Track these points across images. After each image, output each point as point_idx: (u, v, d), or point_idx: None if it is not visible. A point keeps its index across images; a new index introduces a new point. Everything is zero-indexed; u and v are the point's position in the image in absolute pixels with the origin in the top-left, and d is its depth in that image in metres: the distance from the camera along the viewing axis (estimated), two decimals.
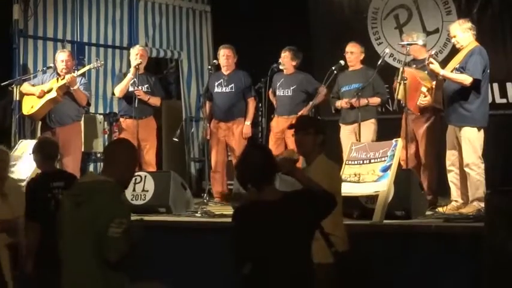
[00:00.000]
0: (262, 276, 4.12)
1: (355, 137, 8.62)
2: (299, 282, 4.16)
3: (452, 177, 7.64)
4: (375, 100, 8.75)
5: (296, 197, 4.28)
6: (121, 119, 9.56)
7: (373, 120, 8.73)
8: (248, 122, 9.51)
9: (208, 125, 9.57)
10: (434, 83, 7.85)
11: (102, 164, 4.76)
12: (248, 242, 4.16)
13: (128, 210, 4.43)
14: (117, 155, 4.45)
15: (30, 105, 9.04)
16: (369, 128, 8.64)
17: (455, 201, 7.60)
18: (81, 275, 4.22)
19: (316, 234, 4.42)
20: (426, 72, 7.99)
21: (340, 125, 8.96)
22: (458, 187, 7.61)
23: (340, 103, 8.89)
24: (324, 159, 5.28)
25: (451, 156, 7.64)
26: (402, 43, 8.38)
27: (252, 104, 9.54)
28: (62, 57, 9.17)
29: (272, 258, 4.12)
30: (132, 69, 9.42)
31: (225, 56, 9.55)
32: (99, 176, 4.48)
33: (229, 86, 9.51)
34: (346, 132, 8.84)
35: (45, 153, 6.35)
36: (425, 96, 7.96)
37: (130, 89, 9.36)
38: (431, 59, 7.59)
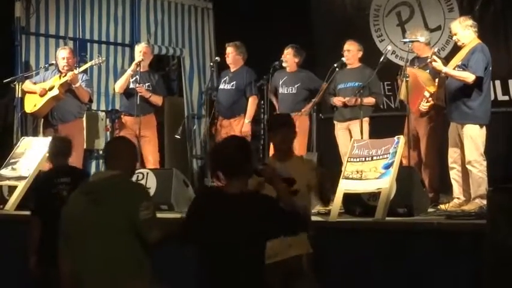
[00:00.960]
0: (212, 265, 4.13)
1: (349, 134, 8.65)
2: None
3: (455, 175, 7.64)
4: (370, 100, 8.74)
5: (261, 202, 4.16)
6: (122, 116, 9.56)
7: (366, 119, 8.72)
8: (247, 120, 9.48)
9: (209, 123, 9.56)
10: (436, 80, 7.84)
11: (104, 161, 4.76)
12: (197, 226, 4.14)
13: (149, 193, 4.62)
14: (120, 150, 4.56)
15: (33, 103, 9.05)
16: (365, 125, 8.61)
17: (458, 198, 7.60)
18: (115, 268, 4.31)
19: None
20: (428, 71, 7.99)
21: (335, 122, 8.98)
22: (460, 184, 7.61)
23: (335, 100, 8.91)
24: (300, 157, 5.51)
25: (453, 153, 7.64)
26: (404, 40, 8.38)
27: (252, 101, 9.50)
28: (63, 54, 9.17)
29: (218, 249, 4.08)
30: (132, 65, 9.43)
31: (227, 54, 9.59)
32: (108, 171, 4.53)
33: (232, 83, 9.51)
34: (340, 130, 8.87)
35: (55, 149, 6.37)
36: (427, 102, 7.96)
37: (132, 86, 9.36)
38: (433, 57, 7.59)
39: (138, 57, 9.44)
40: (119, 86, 9.55)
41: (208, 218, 4.11)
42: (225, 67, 9.78)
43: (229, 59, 9.57)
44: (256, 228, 4.06)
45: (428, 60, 7.63)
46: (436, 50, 7.99)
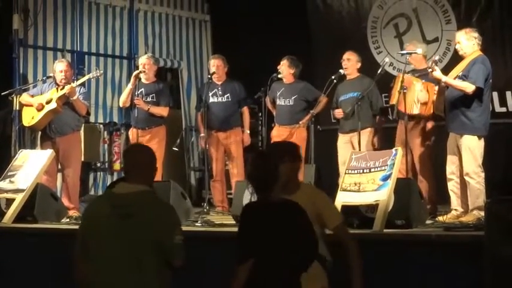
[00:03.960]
0: (259, 274, 4.22)
1: (351, 146, 8.65)
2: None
3: (453, 186, 7.63)
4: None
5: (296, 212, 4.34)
6: (131, 129, 9.51)
7: (369, 129, 8.73)
8: (248, 131, 9.51)
9: (201, 135, 9.52)
10: (436, 88, 7.85)
11: (124, 172, 4.61)
12: (248, 239, 4.30)
13: (177, 215, 4.51)
14: (140, 160, 4.43)
15: (31, 116, 9.00)
16: (365, 136, 8.64)
17: (456, 210, 7.58)
18: (136, 284, 4.25)
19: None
20: (424, 80, 8.02)
21: (339, 134, 8.99)
22: (458, 196, 7.59)
23: (335, 114, 8.94)
24: (308, 186, 5.39)
25: (451, 164, 7.63)
26: (401, 52, 8.39)
27: (247, 112, 9.54)
28: (61, 67, 9.11)
29: (266, 258, 4.21)
30: (132, 79, 9.42)
31: (215, 66, 9.47)
32: (135, 185, 4.36)
33: (225, 96, 9.46)
34: (342, 141, 8.89)
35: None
36: (421, 91, 7.99)
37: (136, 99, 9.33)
38: (433, 66, 7.58)
39: (141, 69, 9.40)
40: (122, 101, 9.58)
41: (257, 229, 4.27)
42: None
43: (218, 71, 9.44)
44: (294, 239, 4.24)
45: (429, 69, 7.60)
46: (437, 58, 7.97)
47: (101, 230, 4.30)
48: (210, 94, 9.50)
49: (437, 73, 7.50)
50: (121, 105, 9.70)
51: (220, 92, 9.47)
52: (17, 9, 10.11)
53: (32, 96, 9.12)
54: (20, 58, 10.11)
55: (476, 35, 7.59)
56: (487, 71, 7.43)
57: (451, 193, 7.65)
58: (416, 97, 8.04)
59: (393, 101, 8.08)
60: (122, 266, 4.24)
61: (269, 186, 4.33)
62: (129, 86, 9.41)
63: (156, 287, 4.28)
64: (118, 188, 4.39)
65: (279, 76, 9.31)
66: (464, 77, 7.44)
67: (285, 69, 9.31)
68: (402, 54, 8.43)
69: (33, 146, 9.47)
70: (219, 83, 9.52)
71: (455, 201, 7.61)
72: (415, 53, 8.36)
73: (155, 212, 4.27)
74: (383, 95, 9.47)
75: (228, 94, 9.46)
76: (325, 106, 9.26)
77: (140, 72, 9.31)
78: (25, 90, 9.46)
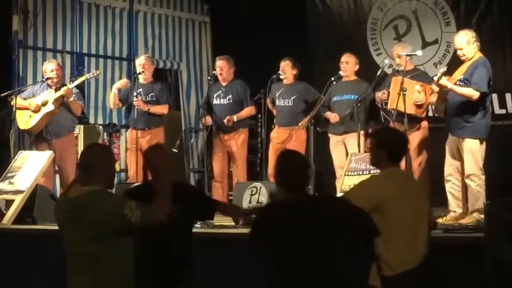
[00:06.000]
0: (290, 275, 4.21)
1: (344, 146, 8.68)
2: None
3: (450, 188, 7.63)
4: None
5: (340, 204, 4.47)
6: (129, 130, 9.51)
7: (363, 132, 8.72)
8: (235, 117, 9.32)
9: (206, 136, 9.53)
10: (435, 88, 7.82)
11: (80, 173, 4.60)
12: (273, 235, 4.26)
13: (123, 197, 4.48)
14: (92, 162, 4.40)
15: (25, 120, 8.98)
16: (356, 139, 8.60)
17: (454, 211, 7.58)
18: (100, 278, 4.25)
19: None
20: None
21: (330, 135, 8.98)
22: (456, 197, 7.59)
23: (328, 116, 8.92)
24: (376, 174, 5.23)
25: (449, 166, 7.62)
26: (402, 53, 8.37)
27: (249, 109, 9.45)
28: (51, 66, 9.09)
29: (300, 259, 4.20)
30: (118, 83, 9.46)
31: (219, 68, 9.48)
32: (85, 187, 4.36)
33: (227, 98, 9.45)
34: (334, 143, 8.89)
35: None
36: (419, 93, 7.99)
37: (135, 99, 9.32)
38: (440, 74, 7.51)
39: (138, 70, 9.42)
40: (111, 103, 9.69)
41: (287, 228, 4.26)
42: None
43: (222, 73, 9.45)
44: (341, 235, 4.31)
45: (437, 77, 7.54)
46: (445, 69, 7.90)
47: (62, 234, 4.38)
48: (214, 96, 9.51)
49: (443, 81, 7.45)
50: (112, 107, 9.76)
51: (223, 94, 9.46)
52: (17, 11, 10.09)
53: (25, 99, 9.08)
54: (20, 59, 10.09)
55: (474, 35, 7.57)
56: (489, 74, 7.42)
57: (448, 195, 7.64)
58: (414, 99, 8.03)
59: (393, 105, 8.07)
60: (80, 265, 4.28)
61: (303, 184, 4.38)
62: (114, 88, 9.49)
63: (116, 275, 4.27)
64: (71, 192, 4.41)
65: (281, 77, 9.30)
66: (465, 80, 7.42)
67: (288, 70, 9.30)
68: (400, 56, 8.39)
69: (32, 147, 9.43)
70: (224, 84, 9.51)
71: (453, 203, 7.61)
72: (414, 54, 8.38)
73: (99, 210, 4.21)
74: None
75: (230, 96, 9.44)
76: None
77: (121, 86, 9.41)
78: (24, 91, 9.44)
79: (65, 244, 4.38)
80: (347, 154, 8.48)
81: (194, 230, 6.65)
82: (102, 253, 4.23)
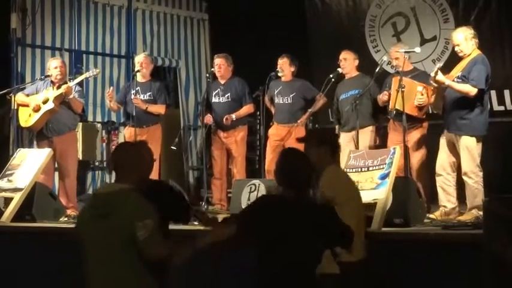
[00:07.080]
0: (266, 262, 4.34)
1: (354, 144, 8.63)
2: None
3: (442, 182, 7.62)
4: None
5: (322, 212, 4.44)
6: (127, 128, 9.52)
7: (371, 128, 8.73)
8: (234, 116, 9.33)
9: (205, 134, 9.55)
10: (434, 85, 7.83)
11: (113, 172, 4.63)
12: (257, 220, 4.38)
13: (151, 211, 4.36)
14: (125, 160, 4.41)
15: (27, 117, 8.98)
16: (366, 135, 8.63)
17: (444, 206, 7.58)
18: (117, 281, 4.25)
19: None
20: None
21: (340, 132, 8.98)
22: (447, 192, 7.58)
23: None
24: (330, 169, 5.33)
25: (441, 160, 7.62)
26: (401, 51, 8.36)
27: (248, 107, 9.44)
28: (55, 64, 9.07)
29: (275, 248, 4.29)
30: (108, 97, 9.50)
31: (218, 66, 9.48)
32: (117, 184, 4.41)
33: (226, 96, 9.45)
34: (345, 140, 8.84)
35: None
36: (422, 95, 7.99)
37: (131, 97, 9.33)
38: (437, 70, 7.51)
39: (136, 67, 9.42)
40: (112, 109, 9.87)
41: (271, 216, 4.36)
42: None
43: (221, 71, 9.45)
44: (315, 237, 4.35)
45: (433, 73, 7.55)
46: (440, 65, 7.90)
47: (84, 231, 4.37)
48: (213, 94, 9.51)
49: (441, 77, 7.46)
50: (113, 112, 9.86)
51: (221, 92, 9.46)
52: (15, 8, 10.10)
53: (28, 95, 9.06)
54: (18, 57, 10.10)
55: (473, 32, 7.58)
56: (488, 71, 7.43)
57: (439, 189, 7.63)
58: (417, 101, 8.02)
59: (393, 106, 8.07)
60: (103, 264, 4.26)
61: (303, 185, 4.42)
62: (107, 103, 9.69)
63: (134, 283, 4.26)
64: (103, 188, 4.42)
65: (279, 74, 9.30)
66: (464, 77, 7.43)
67: (287, 67, 9.30)
68: (399, 53, 8.39)
69: (31, 145, 9.45)
70: (223, 82, 9.51)
71: (443, 198, 7.60)
72: (413, 51, 8.37)
73: (125, 210, 4.21)
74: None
75: (228, 94, 9.43)
76: (323, 105, 9.25)
77: (111, 99, 9.47)
78: (23, 89, 9.44)
79: (86, 246, 4.36)
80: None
81: (191, 227, 6.70)
82: (120, 257, 4.23)
